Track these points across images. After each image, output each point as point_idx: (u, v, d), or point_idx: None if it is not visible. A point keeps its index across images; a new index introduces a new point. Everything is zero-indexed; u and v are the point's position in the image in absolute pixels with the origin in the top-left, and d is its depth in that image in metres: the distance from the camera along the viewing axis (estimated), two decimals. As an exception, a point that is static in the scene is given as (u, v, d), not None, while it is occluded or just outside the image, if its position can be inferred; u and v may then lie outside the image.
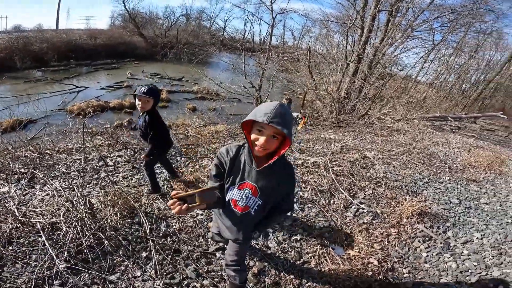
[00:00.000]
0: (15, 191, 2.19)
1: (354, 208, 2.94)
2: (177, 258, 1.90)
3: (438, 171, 4.95)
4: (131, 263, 1.74)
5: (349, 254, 2.35)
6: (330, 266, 2.15)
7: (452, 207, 3.67)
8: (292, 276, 1.97)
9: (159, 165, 2.96)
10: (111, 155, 3.44)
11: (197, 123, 6.66)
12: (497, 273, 2.50)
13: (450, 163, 5.64)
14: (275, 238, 2.30)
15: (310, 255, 2.22)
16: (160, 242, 1.98)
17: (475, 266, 2.60)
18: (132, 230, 2.01)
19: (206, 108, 9.45)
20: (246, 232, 1.36)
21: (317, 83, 10.83)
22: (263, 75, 10.12)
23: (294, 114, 10.32)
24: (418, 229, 2.92)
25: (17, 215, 1.82)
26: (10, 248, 1.62)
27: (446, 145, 7.34)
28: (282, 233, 2.37)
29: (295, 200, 2.80)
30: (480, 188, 4.72)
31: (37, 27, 19.81)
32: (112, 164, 3.16)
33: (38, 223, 1.76)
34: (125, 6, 22.47)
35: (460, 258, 2.68)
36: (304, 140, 4.58)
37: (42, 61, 15.11)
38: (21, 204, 2.02)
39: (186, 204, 1.02)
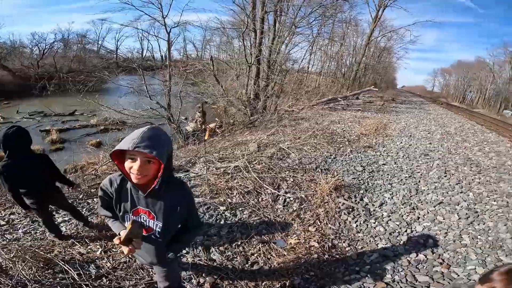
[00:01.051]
0: None
1: (282, 199, 3.18)
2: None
3: (341, 146, 5.81)
4: None
5: (290, 243, 2.49)
6: (277, 260, 2.25)
7: (359, 174, 4.26)
8: (246, 281, 1.99)
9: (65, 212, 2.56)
10: (2, 214, 2.77)
11: (106, 159, 5.92)
12: (419, 228, 2.90)
13: (348, 136, 6.70)
14: (217, 249, 2.27)
15: (255, 255, 2.28)
16: (96, 285, 1.80)
17: (398, 225, 2.95)
18: (58, 279, 1.76)
19: (113, 140, 8.47)
20: (159, 254, 1.32)
21: (225, 90, 11.15)
22: (169, 92, 9.75)
23: (212, 125, 10.39)
24: (340, 202, 3.29)
25: None
26: None
27: (342, 121, 8.71)
28: (221, 242, 2.37)
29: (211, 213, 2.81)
30: (375, 152, 5.71)
31: None
32: (5, 223, 2.55)
33: None
34: None
35: (383, 221, 3.03)
36: (222, 148, 4.67)
37: None
38: None
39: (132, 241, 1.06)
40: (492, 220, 3.01)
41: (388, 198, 3.55)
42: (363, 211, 3.15)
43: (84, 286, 1.74)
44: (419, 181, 4.15)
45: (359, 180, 3.99)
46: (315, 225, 2.80)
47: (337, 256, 2.42)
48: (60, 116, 12.98)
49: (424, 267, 2.27)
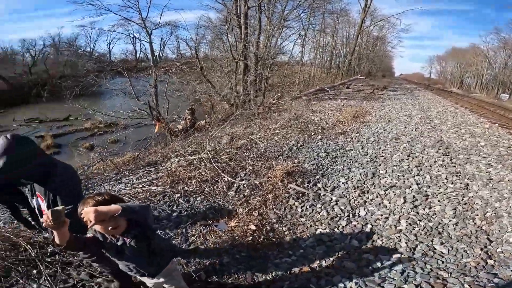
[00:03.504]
0: None
1: (236, 186, 3.41)
2: (69, 268, 2.03)
3: (313, 134, 6.02)
4: (25, 280, 1.86)
5: (230, 226, 2.68)
6: (213, 240, 2.45)
7: (320, 160, 4.39)
8: (179, 258, 2.20)
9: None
10: None
11: (96, 159, 6.22)
12: (363, 212, 2.96)
13: (323, 124, 6.89)
14: (161, 232, 2.51)
15: (195, 236, 2.49)
16: (49, 260, 2.08)
17: (342, 210, 3.01)
18: (19, 257, 2.07)
19: (105, 142, 8.77)
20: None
21: (213, 87, 11.37)
22: (156, 92, 10.02)
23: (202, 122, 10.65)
24: (291, 188, 3.41)
25: None
26: None
27: (322, 111, 8.89)
28: (169, 225, 2.63)
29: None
30: (346, 138, 5.84)
31: None
32: None
33: None
34: None
35: (329, 205, 3.12)
36: (195, 142, 4.92)
37: None
38: None
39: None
40: (441, 204, 3.05)
41: (343, 182, 3.67)
42: (312, 196, 3.28)
43: (37, 261, 2.03)
44: (380, 165, 4.26)
45: (319, 166, 4.15)
46: (260, 210, 2.95)
47: (274, 240, 2.53)
48: (55, 121, 13.33)
49: (355, 254, 2.32)
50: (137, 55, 32.88)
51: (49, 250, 2.22)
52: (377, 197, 3.33)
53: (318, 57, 24.03)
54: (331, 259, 2.29)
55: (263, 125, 6.42)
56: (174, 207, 2.89)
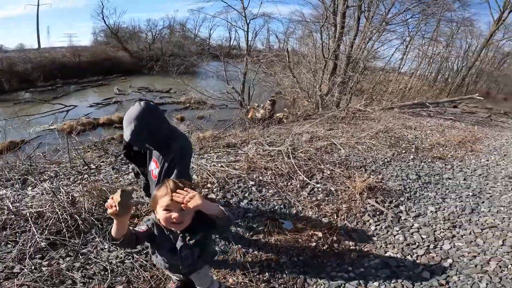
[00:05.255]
0: (10, 192, 2.57)
1: (310, 187, 3.30)
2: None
3: (403, 151, 5.31)
4: (101, 238, 2.11)
5: (296, 227, 2.59)
6: (276, 237, 2.39)
7: (409, 182, 3.86)
8: (239, 246, 2.28)
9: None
10: (94, 161, 3.84)
11: (183, 131, 7.05)
12: (447, 246, 2.55)
13: (418, 144, 6.01)
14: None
15: (260, 228, 2.49)
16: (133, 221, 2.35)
17: (423, 239, 2.63)
18: (106, 214, 2.32)
19: (193, 117, 9.86)
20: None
21: (298, 82, 11.30)
22: (244, 79, 10.58)
23: (279, 114, 10.79)
24: (369, 203, 3.12)
25: (11, 208, 2.19)
26: (4, 232, 1.99)
27: (419, 128, 7.74)
28: (238, 211, 2.73)
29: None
30: (446, 164, 4.99)
31: (18, 47, 20.04)
32: (95, 167, 3.56)
33: (28, 214, 2.13)
34: (105, 22, 23.03)
35: (409, 231, 2.75)
36: (275, 134, 4.98)
37: (29, 82, 15.46)
38: (15, 202, 2.40)
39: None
40: None
41: (431, 211, 3.16)
42: (391, 217, 2.94)
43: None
44: (483, 202, 3.51)
45: (406, 188, 3.66)
46: (331, 218, 2.81)
47: (337, 251, 2.39)
48: (159, 92, 15.64)
49: (420, 285, 2.06)
50: (231, 43, 35.24)
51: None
52: (470, 234, 2.76)
53: (422, 68, 20.95)
54: (392, 285, 2.04)
55: (346, 131, 6.01)
56: (246, 194, 2.99)
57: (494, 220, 3.06)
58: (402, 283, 2.09)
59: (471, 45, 21.66)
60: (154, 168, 1.69)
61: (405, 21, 13.10)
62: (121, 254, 2.02)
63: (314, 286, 2.02)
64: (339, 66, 11.71)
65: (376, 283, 2.08)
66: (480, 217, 3.13)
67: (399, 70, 17.74)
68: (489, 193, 3.85)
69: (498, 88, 30.81)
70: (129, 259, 2.02)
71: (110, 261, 1.95)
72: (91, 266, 1.90)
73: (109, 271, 1.86)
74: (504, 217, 3.12)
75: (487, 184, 4.19)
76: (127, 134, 1.50)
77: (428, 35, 16.63)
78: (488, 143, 7.16)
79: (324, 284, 2.04)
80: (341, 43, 11.19)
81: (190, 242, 1.22)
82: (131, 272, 1.91)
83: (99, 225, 2.23)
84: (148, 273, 1.93)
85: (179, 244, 1.22)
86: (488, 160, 5.47)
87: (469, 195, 3.72)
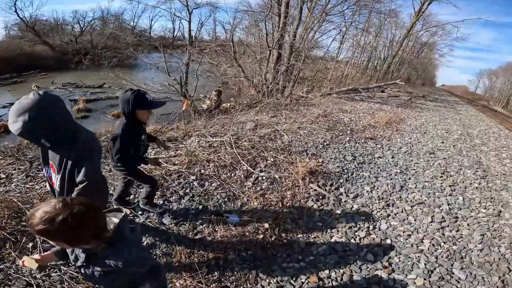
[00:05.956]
0: None
1: (254, 176, 3.25)
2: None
3: (340, 134, 5.69)
4: (18, 252, 1.87)
5: (242, 220, 2.51)
6: (222, 233, 2.28)
7: (346, 164, 4.13)
8: (183, 246, 2.12)
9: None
10: (4, 170, 3.21)
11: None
12: (384, 226, 2.76)
13: (353, 126, 6.51)
14: (169, 215, 2.44)
15: (203, 226, 2.36)
16: None
17: (362, 220, 2.82)
18: (19, 227, 2.06)
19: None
20: None
21: (244, 71, 11.23)
22: (187, 70, 10.06)
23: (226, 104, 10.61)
24: (312, 188, 3.22)
25: None
26: None
27: (353, 111, 8.42)
28: (179, 209, 2.55)
29: None
30: (376, 144, 5.47)
31: None
32: (5, 176, 2.98)
33: None
34: (18, 15, 19.66)
35: (350, 213, 2.92)
36: (218, 124, 4.83)
37: None
38: None
39: None
40: (470, 228, 2.84)
41: (367, 191, 3.43)
42: (333, 200, 3.08)
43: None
44: (409, 179, 3.96)
45: (344, 169, 3.90)
46: (276, 207, 2.80)
47: (285, 241, 2.39)
48: (90, 88, 13.93)
49: (368, 269, 2.18)
50: (175, 34, 33.36)
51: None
52: (402, 212, 3.07)
53: (356, 56, 22.89)
54: (341, 271, 2.14)
55: (289, 117, 6.18)
56: (187, 190, 2.81)
57: (421, 196, 3.46)
58: (351, 268, 2.18)
59: (395, 36, 24.40)
60: (53, 174, 1.39)
61: (342, 12, 14.04)
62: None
63: (267, 280, 1.98)
64: (283, 55, 11.98)
65: (327, 271, 2.13)
66: (408, 194, 3.49)
67: (337, 59, 19.05)
68: (414, 169, 4.35)
69: (417, 75, 35.71)
70: (56, 271, 1.80)
71: (33, 275, 1.76)
72: (13, 282, 1.71)
73: (34, 287, 1.68)
74: (429, 193, 3.55)
75: (412, 160, 4.74)
76: (17, 127, 1.17)
77: (361, 26, 18.17)
78: (410, 123, 8.19)
79: (277, 277, 2.02)
80: (284, 32, 11.40)
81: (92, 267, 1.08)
82: (61, 286, 1.72)
83: (13, 239, 1.96)
84: (81, 285, 1.72)
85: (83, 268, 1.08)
86: (411, 138, 6.23)
87: (397, 172, 4.14)
